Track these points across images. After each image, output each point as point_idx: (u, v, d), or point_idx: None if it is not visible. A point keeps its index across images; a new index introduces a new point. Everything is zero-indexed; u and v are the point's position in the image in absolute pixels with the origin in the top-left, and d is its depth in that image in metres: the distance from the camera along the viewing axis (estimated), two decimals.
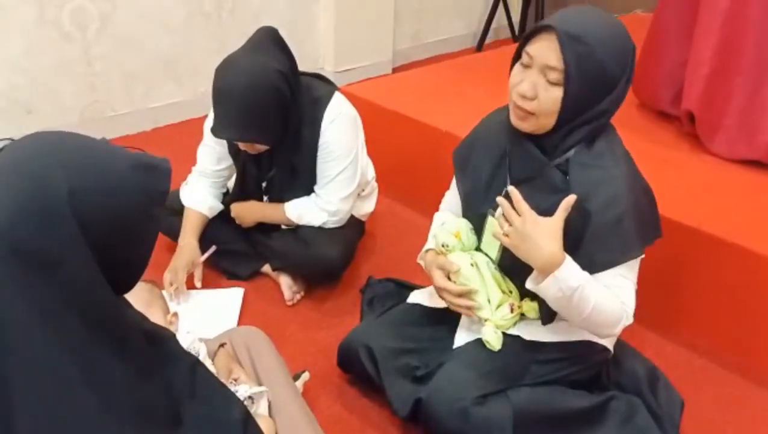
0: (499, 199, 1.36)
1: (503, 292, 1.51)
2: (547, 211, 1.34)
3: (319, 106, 1.86)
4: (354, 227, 2.13)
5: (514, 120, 1.38)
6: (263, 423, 1.26)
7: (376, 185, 2.24)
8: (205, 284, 2.05)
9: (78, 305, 0.80)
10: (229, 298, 2.01)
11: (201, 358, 1.33)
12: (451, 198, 1.70)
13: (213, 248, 2.01)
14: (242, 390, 1.27)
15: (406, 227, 2.41)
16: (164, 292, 1.96)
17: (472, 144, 1.61)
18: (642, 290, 1.88)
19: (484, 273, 1.51)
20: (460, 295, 1.49)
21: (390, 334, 1.63)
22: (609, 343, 1.58)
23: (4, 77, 2.62)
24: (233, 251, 2.09)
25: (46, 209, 0.78)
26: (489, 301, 1.50)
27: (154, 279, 1.72)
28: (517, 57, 1.39)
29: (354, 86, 2.79)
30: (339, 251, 1.96)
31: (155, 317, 1.33)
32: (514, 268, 1.45)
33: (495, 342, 1.48)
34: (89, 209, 0.80)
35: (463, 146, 1.63)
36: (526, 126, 1.37)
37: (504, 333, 1.51)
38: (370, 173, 2.16)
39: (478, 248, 1.57)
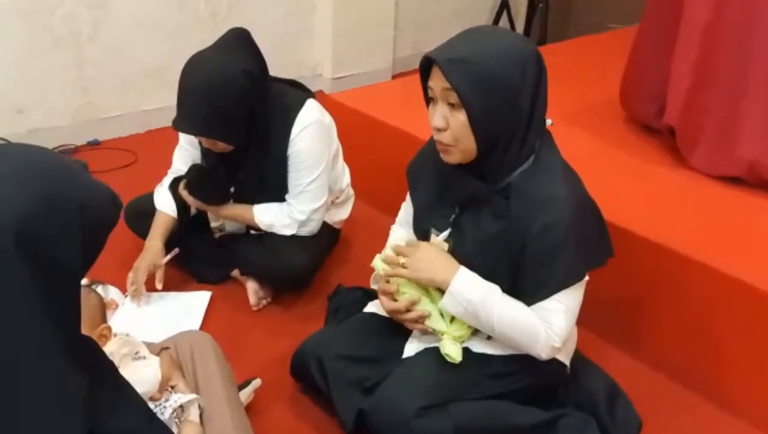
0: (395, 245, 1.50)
1: None
2: (493, 237, 1.38)
3: (290, 113, 1.86)
4: (326, 235, 2.12)
5: (442, 156, 1.40)
6: (192, 429, 1.26)
7: (352, 192, 2.24)
8: (175, 287, 2.07)
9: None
10: (194, 301, 2.02)
11: (142, 355, 1.33)
12: (407, 210, 1.71)
13: (176, 251, 2.02)
14: (173, 399, 1.27)
15: (383, 235, 2.37)
16: (121, 293, 1.99)
17: (420, 162, 1.62)
18: (607, 305, 1.86)
19: (431, 289, 1.49)
20: (408, 310, 1.48)
21: (343, 343, 1.62)
22: (564, 358, 1.56)
23: None
24: (203, 254, 2.10)
25: (59, 218, 0.82)
26: (442, 314, 1.49)
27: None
28: (426, 97, 1.40)
29: (339, 94, 2.80)
30: (305, 259, 1.96)
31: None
32: None
33: (455, 354, 1.46)
34: (92, 223, 0.85)
35: (414, 162, 1.65)
36: (452, 158, 1.39)
37: None
38: (345, 180, 2.15)
39: None
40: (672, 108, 2.14)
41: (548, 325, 1.38)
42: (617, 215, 1.80)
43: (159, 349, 1.40)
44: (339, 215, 2.18)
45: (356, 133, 2.61)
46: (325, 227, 2.10)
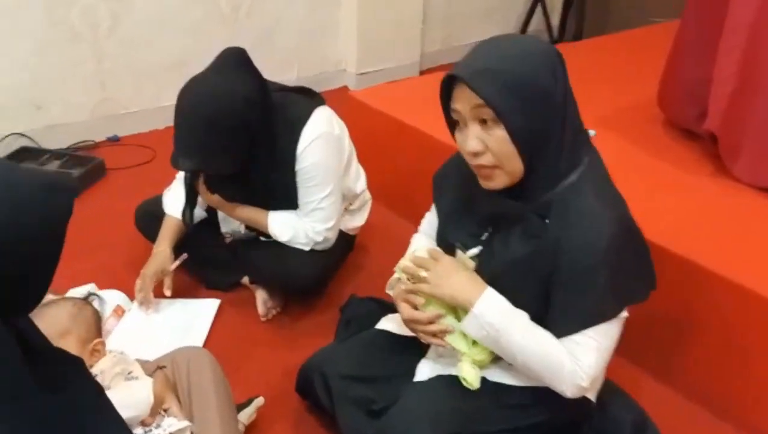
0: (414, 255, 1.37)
1: None
2: (523, 259, 1.26)
3: (295, 126, 1.76)
4: (340, 243, 2.02)
5: (484, 183, 1.26)
6: None
7: (368, 196, 2.14)
8: (183, 293, 2.01)
9: None
10: (203, 309, 1.96)
11: (135, 376, 1.26)
12: (431, 220, 1.60)
13: (184, 256, 1.95)
14: (165, 425, 1.20)
15: (402, 242, 2.28)
16: (128, 299, 1.94)
17: (447, 170, 1.50)
18: (638, 327, 1.72)
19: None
20: (430, 322, 1.38)
21: (351, 361, 1.53)
22: (591, 393, 1.44)
23: (13, 74, 2.63)
24: (213, 260, 2.03)
25: None
26: (465, 335, 1.38)
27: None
28: (449, 121, 1.27)
29: (361, 92, 2.69)
30: (316, 269, 1.88)
31: (68, 346, 1.25)
32: None
33: (473, 380, 1.35)
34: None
35: (442, 170, 1.54)
36: (497, 183, 1.24)
37: None
38: (360, 185, 2.05)
39: None
40: (714, 113, 1.99)
41: (576, 361, 1.25)
42: (650, 230, 1.64)
43: (154, 368, 1.34)
44: (354, 222, 2.08)
45: (377, 133, 2.52)
46: (340, 234, 2.01)
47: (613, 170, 1.34)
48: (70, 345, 1.26)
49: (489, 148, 1.20)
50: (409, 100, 2.52)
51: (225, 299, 2.01)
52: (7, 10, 2.53)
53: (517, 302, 1.29)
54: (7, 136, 2.66)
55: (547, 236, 1.24)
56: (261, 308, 1.94)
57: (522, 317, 1.29)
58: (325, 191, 1.80)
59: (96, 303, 1.42)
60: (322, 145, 1.77)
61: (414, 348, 1.50)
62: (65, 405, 0.94)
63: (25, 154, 2.66)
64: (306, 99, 1.84)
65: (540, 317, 1.29)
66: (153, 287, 1.90)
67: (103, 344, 1.32)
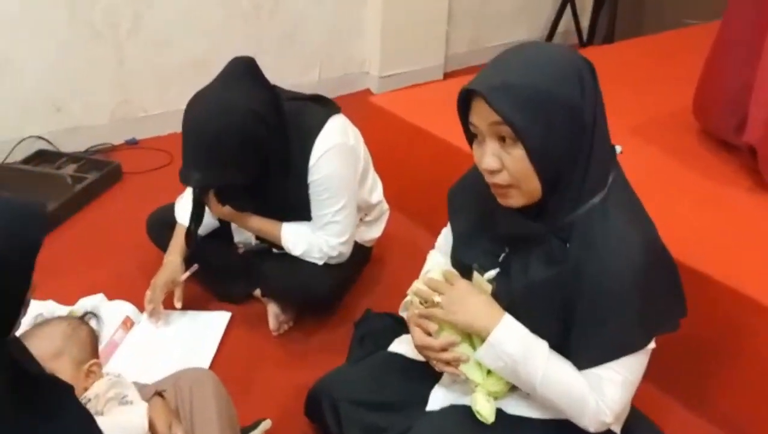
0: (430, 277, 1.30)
1: None
2: (543, 285, 1.17)
3: (308, 137, 1.69)
4: (356, 255, 1.95)
5: (500, 200, 1.18)
6: None
7: (385, 208, 2.07)
8: (194, 304, 1.96)
9: None
10: (213, 322, 1.91)
11: (129, 400, 1.21)
12: (447, 237, 1.52)
13: (195, 267, 1.90)
14: None
15: (420, 255, 2.20)
16: (138, 310, 1.90)
17: (463, 186, 1.42)
18: (668, 352, 1.62)
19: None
20: (443, 349, 1.30)
21: (361, 385, 1.46)
22: (616, 426, 1.35)
23: (34, 75, 2.61)
24: (225, 271, 1.97)
25: None
26: (480, 364, 1.30)
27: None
28: (468, 134, 1.19)
29: (381, 97, 2.62)
30: (330, 283, 1.81)
31: (62, 367, 1.22)
32: None
33: (488, 413, 1.27)
34: None
35: (457, 186, 1.46)
36: (513, 202, 1.16)
37: None
38: (376, 196, 1.98)
39: None
40: (754, 124, 1.88)
41: (600, 396, 1.17)
42: (682, 250, 1.54)
43: (152, 393, 1.28)
44: (370, 234, 2.01)
45: (397, 140, 2.45)
46: (355, 246, 1.94)
47: (643, 184, 1.24)
48: (64, 366, 1.22)
49: (506, 166, 1.11)
50: (431, 106, 2.44)
51: (236, 311, 1.95)
52: (28, 10, 2.51)
53: (535, 330, 1.21)
54: (25, 139, 2.64)
55: (569, 261, 1.15)
56: (272, 323, 1.88)
57: (542, 347, 1.20)
58: (339, 203, 1.73)
59: (93, 322, 1.37)
60: (335, 156, 1.70)
61: (428, 373, 1.42)
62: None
63: (42, 157, 2.64)
64: (320, 108, 1.77)
65: (559, 347, 1.21)
66: (163, 298, 1.85)
67: (98, 365, 1.27)
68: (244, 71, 1.63)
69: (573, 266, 1.14)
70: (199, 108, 1.58)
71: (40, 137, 2.68)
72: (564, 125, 1.08)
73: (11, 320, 0.85)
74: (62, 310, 1.86)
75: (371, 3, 3.37)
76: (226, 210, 1.78)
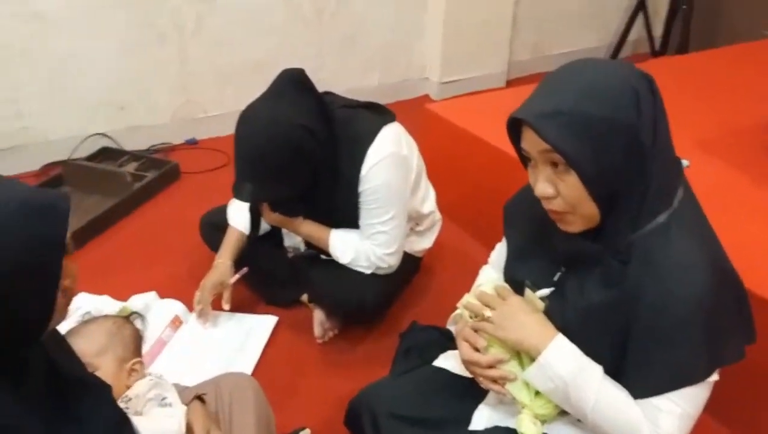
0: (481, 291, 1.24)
1: None
2: (599, 308, 1.12)
3: (360, 146, 1.67)
4: (405, 265, 1.91)
5: (559, 226, 1.14)
6: None
7: (438, 218, 2.03)
8: (242, 307, 1.97)
9: None
10: (260, 325, 1.91)
11: (168, 402, 1.21)
12: (501, 252, 1.48)
13: (244, 270, 1.90)
14: None
15: (472, 267, 2.15)
16: (187, 310, 1.92)
17: (519, 203, 1.37)
18: (729, 382, 1.53)
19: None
20: (491, 366, 1.26)
21: (403, 400, 1.42)
22: None
23: (99, 75, 2.69)
24: (274, 276, 1.97)
25: None
26: (528, 385, 1.25)
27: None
28: (521, 157, 1.15)
29: (438, 104, 2.58)
30: (376, 293, 1.78)
31: (105, 364, 1.23)
32: None
33: None
34: None
35: (513, 200, 1.41)
36: (570, 227, 1.12)
37: None
38: (428, 206, 1.94)
39: None
40: None
41: (655, 427, 1.10)
42: (752, 274, 1.43)
43: (192, 396, 1.28)
44: (421, 244, 1.97)
45: (454, 148, 2.40)
46: (404, 255, 1.90)
47: (713, 203, 1.16)
48: (107, 364, 1.23)
49: (560, 192, 1.07)
50: (489, 115, 2.37)
51: (283, 316, 1.95)
52: (96, 11, 2.59)
53: (588, 354, 1.15)
54: (90, 136, 2.72)
55: (628, 284, 1.09)
56: (317, 330, 1.87)
57: (596, 371, 1.14)
58: (389, 214, 1.70)
59: (138, 322, 1.38)
60: (387, 166, 1.67)
61: (473, 391, 1.37)
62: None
63: (105, 154, 2.72)
64: (374, 116, 1.75)
65: (614, 373, 1.14)
66: (212, 299, 1.86)
67: (141, 364, 1.27)
68: (292, 84, 1.62)
69: (632, 289, 1.08)
70: (248, 122, 1.59)
71: (104, 135, 2.76)
72: (618, 148, 1.02)
73: (43, 320, 0.84)
74: (116, 306, 1.90)
75: (432, 7, 3.33)
76: (277, 216, 1.78)
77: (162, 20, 2.73)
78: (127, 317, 1.36)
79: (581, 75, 1.06)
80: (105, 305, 1.90)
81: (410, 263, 1.98)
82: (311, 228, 1.80)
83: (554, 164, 1.05)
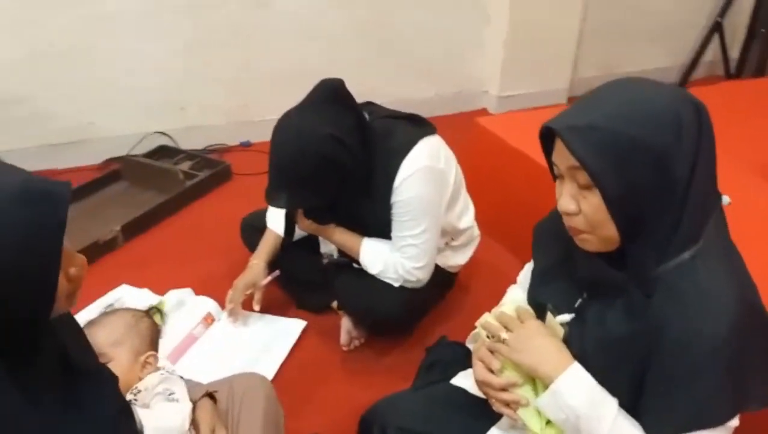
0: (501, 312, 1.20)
1: None
2: (620, 340, 1.07)
3: (395, 157, 1.66)
4: (438, 279, 1.89)
5: (577, 243, 1.11)
6: None
7: (476, 234, 2.00)
8: (273, 309, 1.99)
9: None
10: (288, 329, 1.93)
11: (176, 398, 1.23)
12: (527, 274, 1.44)
13: (276, 273, 1.93)
14: None
15: (508, 285, 2.11)
16: (220, 308, 1.96)
17: (549, 224, 1.33)
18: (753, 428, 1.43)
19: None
20: (503, 389, 1.23)
21: (415, 415, 1.40)
22: None
23: (162, 75, 2.80)
24: (306, 280, 1.99)
25: None
26: (539, 413, 1.21)
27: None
28: (552, 170, 1.12)
29: (488, 119, 2.54)
30: (402, 307, 1.76)
31: (120, 355, 1.26)
32: None
33: None
34: None
35: (542, 223, 1.37)
36: (589, 246, 1.09)
37: None
38: (465, 222, 1.91)
39: None
40: None
41: None
42: None
43: (203, 393, 1.30)
44: (455, 259, 1.94)
45: (499, 163, 2.36)
46: (438, 270, 1.88)
47: (762, 240, 1.09)
48: (122, 354, 1.26)
49: (583, 211, 1.03)
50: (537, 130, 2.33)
51: (312, 321, 1.96)
52: (162, 14, 2.69)
53: (605, 385, 1.10)
54: (149, 134, 2.83)
55: (650, 317, 1.04)
56: (344, 337, 1.87)
57: (611, 404, 1.09)
58: (420, 227, 1.69)
59: (157, 317, 1.42)
60: (421, 179, 1.66)
61: (487, 412, 1.33)
62: (82, 421, 0.93)
63: (162, 152, 2.82)
64: (413, 128, 1.73)
65: (630, 409, 1.09)
66: (243, 299, 1.90)
67: (155, 357, 1.31)
68: (328, 94, 1.63)
69: (655, 323, 1.03)
70: (282, 130, 1.61)
71: (163, 133, 2.87)
72: (649, 174, 0.98)
73: (45, 305, 0.85)
74: (153, 299, 1.96)
75: (495, 20, 3.29)
76: (310, 223, 1.79)
77: (223, 25, 2.81)
78: (147, 312, 1.40)
79: (623, 93, 1.01)
80: (143, 297, 1.96)
81: (444, 277, 1.95)
82: (343, 236, 1.80)
83: (580, 182, 1.01)
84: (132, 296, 1.96)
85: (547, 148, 1.08)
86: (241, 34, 2.87)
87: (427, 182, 1.67)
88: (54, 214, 0.82)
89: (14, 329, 0.84)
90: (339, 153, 1.58)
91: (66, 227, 0.84)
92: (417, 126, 1.76)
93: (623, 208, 0.99)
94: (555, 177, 1.11)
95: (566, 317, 1.19)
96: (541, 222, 1.37)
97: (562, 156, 1.02)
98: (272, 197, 1.64)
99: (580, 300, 1.17)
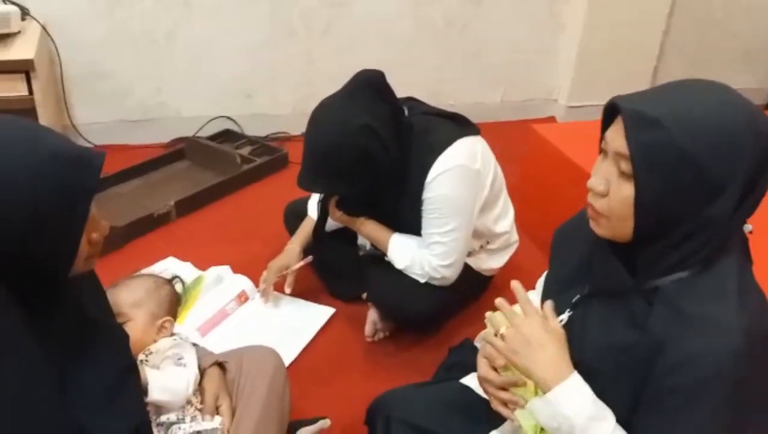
0: (498, 301, 1.15)
1: None
2: (620, 349, 1.04)
3: (430, 154, 1.66)
4: (470, 281, 1.88)
5: (590, 222, 1.08)
6: None
7: (514, 240, 1.97)
8: (304, 295, 2.04)
9: None
10: (316, 314, 1.97)
11: (184, 363, 1.29)
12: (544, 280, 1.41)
13: (309, 259, 1.96)
14: (189, 419, 1.20)
15: None
16: (255, 287, 2.01)
17: (569, 231, 1.30)
18: None
19: None
20: (502, 388, 1.21)
21: (420, 410, 1.40)
22: None
23: (232, 63, 2.90)
24: (340, 269, 2.02)
25: None
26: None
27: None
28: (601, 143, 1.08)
29: (545, 126, 2.49)
30: (428, 305, 1.76)
31: (138, 316, 1.32)
32: None
33: None
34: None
35: (563, 229, 1.34)
36: (598, 230, 1.06)
37: None
38: (502, 226, 1.88)
39: None
40: None
41: None
42: None
43: (213, 362, 1.34)
44: (490, 263, 1.92)
45: (550, 171, 2.31)
46: (472, 273, 1.86)
47: None
48: (140, 316, 1.32)
49: (610, 196, 1.00)
50: (594, 142, 2.26)
51: (341, 309, 1.99)
52: (236, 5, 2.79)
53: (604, 392, 1.07)
54: (216, 118, 2.94)
55: (652, 329, 1.00)
56: (368, 328, 1.88)
57: (606, 419, 1.05)
58: (449, 225, 1.68)
59: (178, 286, 1.48)
60: (453, 177, 1.65)
61: (492, 415, 1.31)
62: (89, 370, 0.98)
63: (226, 136, 2.92)
64: (453, 127, 1.73)
65: (624, 422, 1.05)
66: (275, 280, 1.94)
67: (171, 322, 1.36)
68: (367, 85, 1.64)
69: (656, 336, 0.99)
70: (316, 119, 1.65)
71: (229, 118, 2.97)
72: (692, 195, 0.94)
73: (65, 263, 0.92)
74: (195, 273, 2.04)
75: (570, 29, 3.22)
76: (341, 215, 1.82)
77: (295, 18, 2.89)
78: (170, 280, 1.46)
79: (705, 98, 0.97)
80: (186, 271, 2.05)
81: (477, 280, 1.93)
82: (373, 229, 1.81)
83: (621, 169, 0.98)
84: (175, 269, 2.05)
85: (608, 120, 1.04)
86: (315, 28, 2.94)
87: (459, 180, 1.66)
88: (86, 178, 0.89)
89: (36, 281, 0.90)
90: (372, 145, 1.59)
91: (95, 192, 0.90)
92: (458, 125, 1.75)
93: (650, 213, 0.96)
94: (600, 150, 1.08)
95: (565, 316, 1.16)
96: (562, 226, 1.34)
97: (615, 137, 0.98)
98: (301, 182, 1.67)
99: (578, 296, 1.15)
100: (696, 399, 0.95)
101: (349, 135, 1.57)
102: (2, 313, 0.85)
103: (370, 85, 1.64)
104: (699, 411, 0.95)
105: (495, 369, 1.21)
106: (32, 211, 0.84)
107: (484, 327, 1.96)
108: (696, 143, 0.91)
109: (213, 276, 2.02)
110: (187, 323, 1.84)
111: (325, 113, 1.63)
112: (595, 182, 1.01)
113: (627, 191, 0.96)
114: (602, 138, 1.05)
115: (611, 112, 1.03)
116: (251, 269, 2.07)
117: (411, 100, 1.81)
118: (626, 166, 0.96)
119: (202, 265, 2.09)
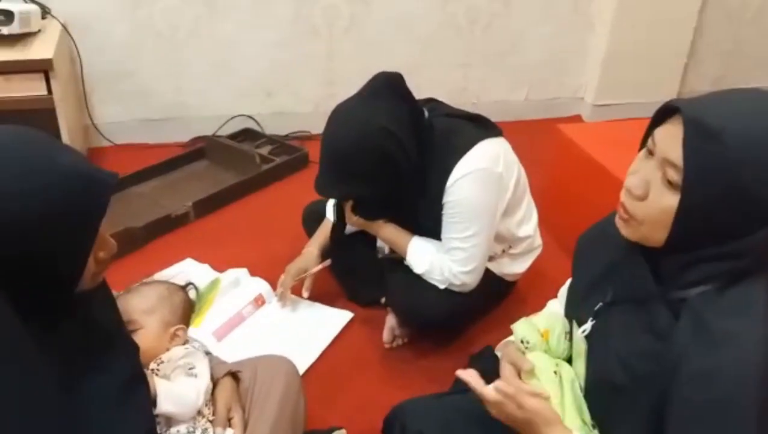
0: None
1: (583, 422, 1.15)
2: (644, 359, 1.00)
3: (451, 157, 1.61)
4: (491, 287, 1.83)
5: (617, 223, 1.02)
6: None
7: (538, 244, 1.91)
8: (322, 299, 2.00)
9: None
10: (334, 319, 1.93)
11: (195, 373, 1.25)
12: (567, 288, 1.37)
13: (327, 262, 1.93)
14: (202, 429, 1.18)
15: None
16: (272, 291, 1.98)
17: (594, 237, 1.25)
18: None
19: (566, 391, 1.17)
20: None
21: (436, 422, 1.37)
22: None
23: (253, 62, 2.87)
24: (359, 273, 1.98)
25: None
26: None
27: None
28: (645, 139, 1.01)
29: (572, 126, 2.42)
30: (447, 311, 1.71)
31: (150, 324, 1.29)
32: (597, 399, 1.13)
33: None
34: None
35: (587, 235, 1.29)
36: (626, 231, 1.01)
37: None
38: (525, 230, 1.83)
39: (569, 360, 1.23)
40: None
41: None
42: None
43: (226, 372, 1.31)
44: (512, 268, 1.86)
45: (577, 173, 2.24)
46: (493, 278, 1.81)
47: None
48: (153, 324, 1.30)
49: (648, 202, 0.94)
50: (621, 144, 2.18)
51: (359, 313, 1.95)
52: (258, 3, 2.77)
53: (623, 413, 1.04)
54: (236, 116, 2.92)
55: (674, 342, 0.95)
56: (386, 334, 1.84)
57: None
58: (469, 230, 1.63)
59: (192, 293, 1.45)
60: (474, 181, 1.60)
61: (509, 430, 1.28)
62: (95, 382, 0.96)
63: (246, 134, 2.90)
64: (475, 129, 1.67)
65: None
66: (293, 284, 1.91)
67: (184, 330, 1.33)
68: (385, 87, 1.60)
69: (679, 349, 0.94)
70: (334, 121, 1.61)
71: (249, 117, 2.95)
72: (738, 219, 0.89)
73: (72, 279, 0.91)
74: (212, 275, 2.02)
75: (598, 27, 3.13)
76: (358, 219, 1.78)
77: (317, 16, 2.85)
78: (184, 287, 1.43)
79: None
80: (203, 273, 2.02)
81: (499, 285, 1.88)
82: (392, 232, 1.77)
83: (668, 176, 0.91)
84: (193, 271, 2.03)
85: (659, 118, 0.97)
86: (338, 26, 2.90)
87: (480, 184, 1.61)
88: (97, 198, 0.89)
89: (43, 296, 0.89)
90: (391, 147, 1.55)
91: (105, 213, 0.90)
92: (480, 127, 1.69)
93: (690, 228, 0.91)
94: (642, 147, 1.01)
95: (588, 326, 1.12)
96: (585, 233, 1.29)
97: (668, 140, 0.91)
98: (319, 186, 1.63)
99: (600, 304, 1.10)
100: (718, 417, 0.91)
101: (369, 137, 1.53)
102: (7, 325, 0.83)
103: (388, 87, 1.60)
104: (721, 427, 0.90)
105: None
106: (42, 227, 0.83)
107: (505, 334, 1.93)
108: (754, 171, 0.86)
109: (230, 279, 1.99)
110: (203, 327, 1.81)
111: (343, 116, 1.59)
112: (635, 184, 0.95)
113: (669, 200, 0.91)
114: (649, 135, 0.98)
115: (665, 111, 0.96)
116: (270, 270, 2.04)
117: (432, 102, 1.76)
118: (674, 175, 0.90)
119: (220, 267, 2.07)
